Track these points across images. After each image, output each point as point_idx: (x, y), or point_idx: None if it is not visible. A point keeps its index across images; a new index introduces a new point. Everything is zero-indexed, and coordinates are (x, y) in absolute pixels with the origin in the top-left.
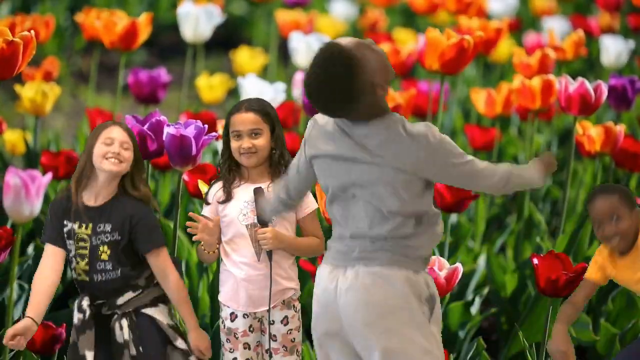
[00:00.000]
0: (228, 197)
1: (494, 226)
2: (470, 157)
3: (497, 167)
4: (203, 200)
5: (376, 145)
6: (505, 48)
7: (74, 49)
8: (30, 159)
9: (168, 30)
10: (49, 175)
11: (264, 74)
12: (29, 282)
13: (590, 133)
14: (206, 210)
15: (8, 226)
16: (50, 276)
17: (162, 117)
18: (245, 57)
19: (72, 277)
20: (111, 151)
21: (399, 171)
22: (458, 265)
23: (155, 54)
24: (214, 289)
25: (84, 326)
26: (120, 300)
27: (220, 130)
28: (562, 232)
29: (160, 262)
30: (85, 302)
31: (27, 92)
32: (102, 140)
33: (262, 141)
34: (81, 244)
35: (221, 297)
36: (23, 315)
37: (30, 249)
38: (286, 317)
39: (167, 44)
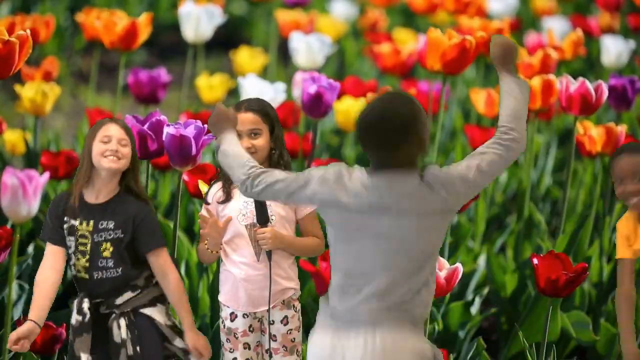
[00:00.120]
0: (227, 197)
1: (494, 226)
2: (478, 159)
3: (508, 137)
4: (203, 200)
5: (403, 198)
6: None
7: (74, 49)
8: (30, 159)
9: (168, 30)
10: (46, 175)
11: (264, 74)
12: (29, 281)
13: (591, 133)
14: (205, 211)
15: (8, 226)
16: (51, 276)
17: (162, 117)
18: (245, 57)
19: (71, 275)
20: (109, 149)
21: (422, 224)
22: (458, 265)
23: (155, 54)
24: (214, 289)
25: (82, 329)
26: (119, 300)
27: None
28: (562, 232)
29: (161, 262)
30: (86, 305)
31: (27, 92)
32: (100, 139)
33: (262, 141)
34: (82, 240)
35: (221, 297)
36: (23, 315)
37: (29, 249)
38: (286, 317)
39: (167, 44)
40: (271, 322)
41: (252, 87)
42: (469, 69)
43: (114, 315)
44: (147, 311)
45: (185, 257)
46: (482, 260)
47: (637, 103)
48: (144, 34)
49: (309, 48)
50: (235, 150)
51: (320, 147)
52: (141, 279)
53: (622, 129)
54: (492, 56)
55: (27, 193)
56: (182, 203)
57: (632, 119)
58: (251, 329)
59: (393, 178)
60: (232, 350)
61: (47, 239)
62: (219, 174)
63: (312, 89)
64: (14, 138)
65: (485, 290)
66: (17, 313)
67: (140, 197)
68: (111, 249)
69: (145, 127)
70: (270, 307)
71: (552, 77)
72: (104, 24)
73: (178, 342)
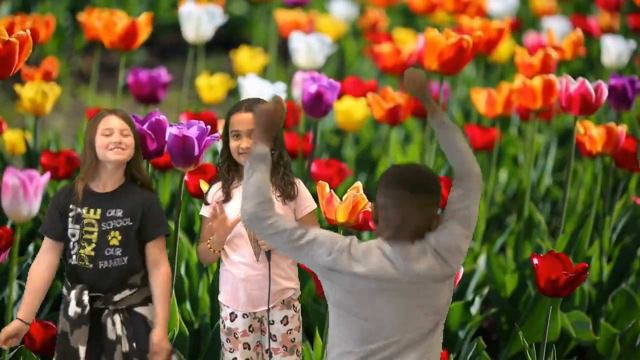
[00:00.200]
0: (227, 198)
1: (494, 226)
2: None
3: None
4: (203, 200)
5: (419, 268)
6: (505, 48)
7: (74, 49)
8: (30, 159)
9: (168, 30)
10: (47, 175)
11: (264, 74)
12: None
13: (591, 133)
14: (205, 210)
15: (8, 226)
16: (45, 276)
17: (162, 117)
18: (246, 57)
19: (68, 266)
20: (112, 141)
21: (436, 288)
22: None
23: (155, 54)
24: (214, 289)
25: (81, 321)
26: (117, 297)
27: (220, 130)
28: (562, 232)
29: (158, 251)
30: (86, 297)
31: (27, 92)
32: (101, 132)
33: None
34: (88, 228)
35: (221, 297)
36: None
37: (29, 249)
38: (286, 317)
39: (167, 44)
40: (271, 322)
41: (252, 87)
42: (469, 68)
43: (107, 311)
44: (141, 310)
45: (185, 257)
46: (482, 260)
47: (637, 103)
48: (144, 33)
49: (309, 48)
50: (265, 179)
51: (320, 147)
52: (138, 277)
53: (622, 129)
54: (410, 92)
55: (28, 193)
56: (182, 203)
57: (632, 119)
58: (251, 329)
59: (410, 248)
60: (232, 350)
61: (45, 232)
62: (218, 174)
63: (313, 88)
64: (14, 138)
65: (485, 290)
66: (17, 313)
67: (144, 185)
68: (119, 237)
69: (145, 126)
70: (270, 307)
71: (552, 77)
72: (104, 23)
73: None
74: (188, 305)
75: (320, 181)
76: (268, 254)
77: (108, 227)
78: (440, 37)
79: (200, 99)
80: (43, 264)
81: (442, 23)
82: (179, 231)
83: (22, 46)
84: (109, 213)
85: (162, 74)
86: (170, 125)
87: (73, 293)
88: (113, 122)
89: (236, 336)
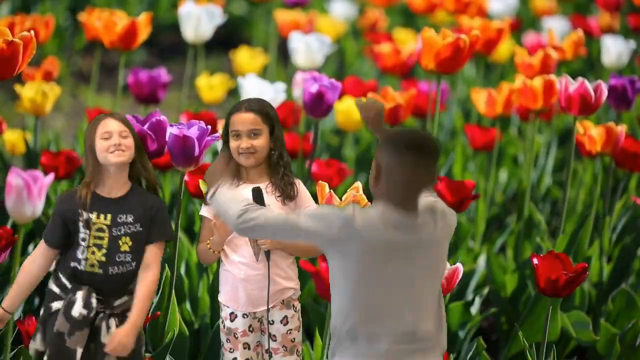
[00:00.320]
0: None
1: (494, 226)
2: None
3: None
4: (203, 200)
5: (423, 231)
6: (505, 48)
7: (74, 49)
8: (30, 159)
9: (168, 30)
10: (51, 176)
11: (264, 74)
12: None
13: (591, 133)
14: (205, 210)
15: (8, 226)
16: (35, 273)
17: (163, 117)
18: (245, 57)
19: (72, 270)
20: (112, 144)
21: (440, 251)
22: (459, 265)
23: (155, 54)
24: (214, 289)
25: (84, 323)
26: (117, 302)
27: (221, 130)
28: (562, 232)
29: (153, 254)
30: (94, 300)
31: (27, 92)
32: (100, 136)
33: (261, 141)
34: (99, 234)
35: (221, 297)
36: (23, 315)
37: (30, 249)
38: (286, 317)
39: (167, 44)
40: (271, 322)
41: (252, 87)
42: (469, 68)
43: (102, 314)
44: None
45: (185, 257)
46: (482, 260)
47: (637, 103)
48: (143, 33)
49: (308, 48)
50: (233, 193)
51: (320, 147)
52: (135, 284)
53: (622, 129)
54: (365, 121)
55: (31, 194)
56: (182, 203)
57: (632, 119)
58: (251, 329)
59: (413, 210)
60: (232, 350)
61: (45, 238)
62: None
63: (314, 88)
64: (14, 138)
65: (485, 290)
66: (17, 313)
67: (150, 185)
68: (130, 243)
69: (146, 127)
70: (270, 307)
71: (552, 77)
72: (104, 23)
73: None
74: (188, 305)
75: (320, 181)
76: (267, 254)
77: (119, 233)
78: (437, 37)
79: (200, 99)
80: (35, 263)
81: (442, 23)
82: (178, 231)
83: (26, 47)
84: (120, 218)
85: (162, 74)
86: (171, 125)
87: (80, 294)
88: (111, 125)
89: (236, 336)
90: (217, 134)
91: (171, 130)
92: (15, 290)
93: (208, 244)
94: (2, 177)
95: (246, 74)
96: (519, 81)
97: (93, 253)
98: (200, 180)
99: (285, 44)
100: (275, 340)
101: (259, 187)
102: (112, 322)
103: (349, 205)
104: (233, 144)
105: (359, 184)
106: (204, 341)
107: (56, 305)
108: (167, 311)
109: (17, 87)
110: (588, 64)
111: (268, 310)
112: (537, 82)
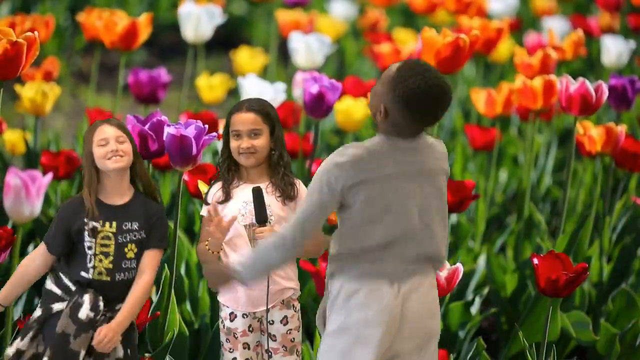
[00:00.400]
0: (227, 198)
1: (494, 226)
2: None
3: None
4: (203, 200)
5: (432, 159)
6: (505, 48)
7: (74, 49)
8: (30, 159)
9: (168, 30)
10: (49, 176)
11: (264, 74)
12: None
13: (591, 133)
14: (205, 211)
15: (8, 226)
16: (32, 272)
17: (163, 117)
18: (245, 57)
19: (78, 278)
20: (109, 150)
21: (440, 182)
22: (459, 265)
23: (155, 54)
24: None
25: (90, 325)
26: (119, 306)
27: (221, 130)
28: (562, 232)
29: (150, 261)
30: (102, 303)
31: (27, 92)
32: (97, 143)
33: (262, 141)
34: (105, 242)
35: (221, 297)
36: (23, 315)
37: (30, 249)
38: (285, 317)
39: (167, 44)
40: (271, 322)
41: (252, 87)
42: (469, 68)
43: (103, 317)
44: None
45: (185, 257)
46: (482, 260)
47: (637, 103)
48: (144, 34)
49: (308, 48)
50: (252, 252)
51: (320, 147)
52: None
53: (622, 129)
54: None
55: (30, 193)
56: (182, 203)
57: (632, 119)
58: (251, 328)
59: (419, 142)
60: (231, 350)
61: (46, 243)
62: (218, 174)
63: (314, 88)
64: (14, 138)
65: (485, 290)
66: (17, 313)
67: (148, 191)
68: (135, 250)
69: (146, 127)
70: (270, 307)
71: (552, 77)
72: (105, 23)
73: None
74: (188, 305)
75: None
76: None
77: (125, 240)
78: (437, 36)
79: (200, 99)
80: (34, 263)
81: (442, 23)
82: (178, 231)
83: (30, 47)
84: (125, 226)
85: (162, 74)
86: (168, 125)
87: (87, 297)
88: (107, 131)
89: (236, 336)
90: (214, 134)
91: (168, 130)
92: (11, 284)
93: (207, 244)
94: (3, 177)
95: (246, 74)
96: (518, 81)
97: (100, 261)
98: (199, 181)
99: (286, 44)
100: (275, 340)
101: (259, 187)
102: None
103: (342, 153)
104: (233, 144)
105: None
106: (204, 341)
107: (57, 306)
108: (167, 311)
109: (17, 87)
110: (588, 64)
111: (268, 310)
112: (537, 82)
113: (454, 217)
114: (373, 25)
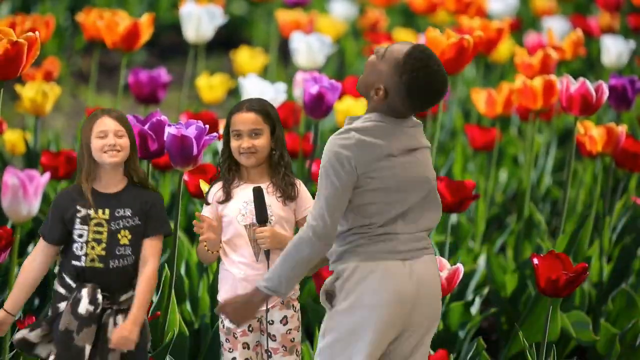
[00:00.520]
0: (227, 197)
1: (494, 226)
2: None
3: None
4: (204, 200)
5: (417, 134)
6: (505, 48)
7: (74, 49)
8: (30, 159)
9: (168, 31)
10: (47, 175)
11: (264, 74)
12: None
13: (592, 133)
14: (206, 211)
15: (8, 226)
16: (35, 273)
17: (163, 117)
18: (246, 57)
19: (74, 268)
20: (107, 144)
21: (428, 155)
22: (459, 265)
23: (155, 54)
24: (214, 289)
25: (91, 320)
26: (123, 297)
27: (221, 130)
28: (562, 232)
29: (153, 248)
30: (100, 296)
31: (27, 92)
32: (96, 134)
33: (262, 141)
34: (97, 228)
35: (220, 297)
36: (22, 315)
37: (29, 249)
38: (285, 317)
39: (167, 44)
40: (270, 322)
41: (253, 87)
42: (469, 68)
43: (109, 311)
44: None
45: (185, 257)
46: (482, 260)
47: (637, 103)
48: (146, 34)
49: (309, 48)
50: (280, 261)
51: (320, 147)
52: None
53: (622, 129)
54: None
55: (27, 193)
56: (182, 203)
57: (632, 119)
58: (250, 328)
59: (412, 121)
60: (231, 350)
61: (43, 234)
62: (219, 174)
63: (314, 89)
64: (14, 138)
65: (485, 290)
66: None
67: (142, 183)
68: (129, 237)
69: (146, 127)
70: (269, 307)
71: (552, 77)
72: (106, 24)
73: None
74: (188, 305)
75: None
76: (267, 253)
77: (118, 227)
78: (441, 37)
79: (200, 99)
80: (35, 262)
81: (442, 23)
82: (178, 231)
83: (30, 47)
84: (118, 213)
85: (162, 74)
86: (169, 125)
87: (85, 291)
88: (107, 124)
89: (235, 336)
90: (215, 134)
91: (169, 130)
92: (17, 291)
93: (205, 245)
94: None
95: (247, 74)
96: (519, 81)
97: (93, 248)
98: (201, 180)
99: (286, 44)
100: (275, 340)
101: (260, 186)
102: (120, 318)
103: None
104: (234, 143)
105: None
106: (204, 341)
107: (63, 305)
108: (167, 311)
109: (18, 87)
110: (588, 64)
111: (267, 310)
112: (537, 82)
113: (454, 217)
114: (373, 25)
